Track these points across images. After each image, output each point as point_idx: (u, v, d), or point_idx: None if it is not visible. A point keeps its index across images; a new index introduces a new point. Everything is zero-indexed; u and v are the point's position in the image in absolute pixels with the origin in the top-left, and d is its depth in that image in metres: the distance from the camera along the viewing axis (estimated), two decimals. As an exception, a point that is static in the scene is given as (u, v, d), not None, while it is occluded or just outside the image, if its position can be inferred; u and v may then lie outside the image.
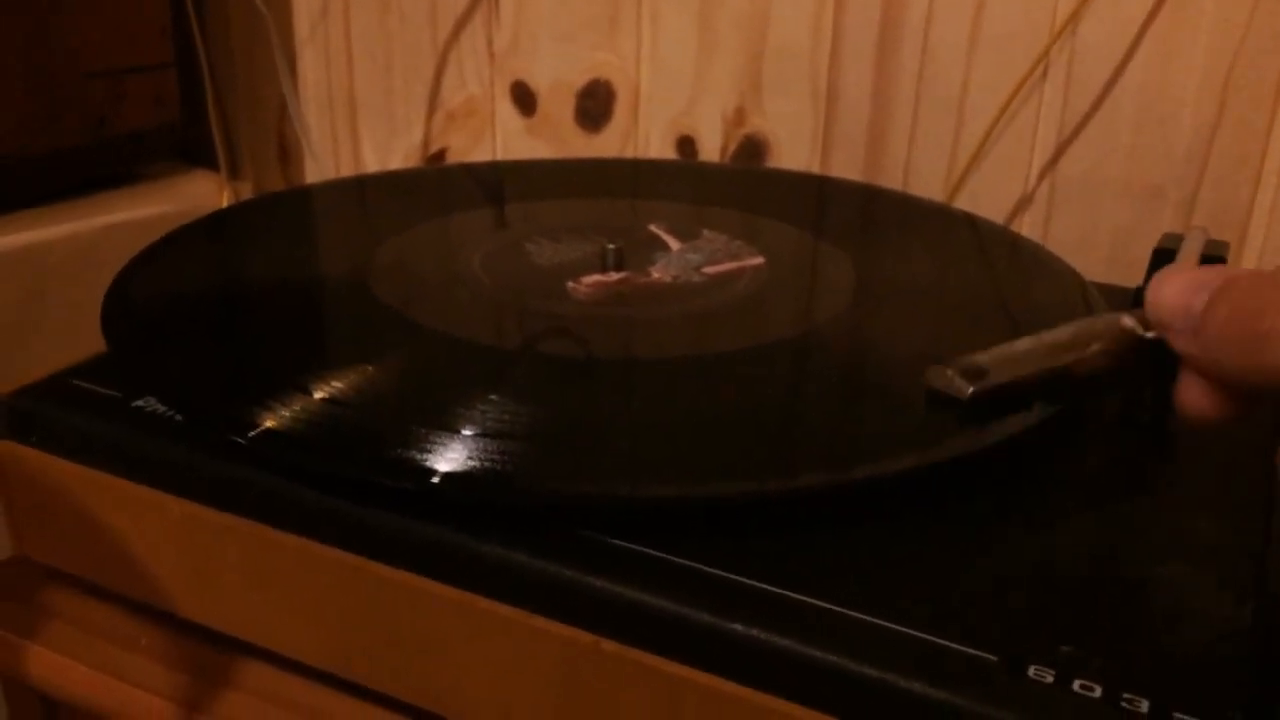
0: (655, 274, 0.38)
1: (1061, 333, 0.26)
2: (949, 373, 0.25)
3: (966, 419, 0.25)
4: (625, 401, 0.30)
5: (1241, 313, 0.22)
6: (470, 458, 0.26)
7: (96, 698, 0.31)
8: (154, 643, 0.31)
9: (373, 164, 0.67)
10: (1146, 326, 0.25)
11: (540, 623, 0.24)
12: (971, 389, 0.25)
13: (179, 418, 0.29)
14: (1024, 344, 0.26)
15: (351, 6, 0.64)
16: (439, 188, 0.51)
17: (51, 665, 0.31)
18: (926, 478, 0.26)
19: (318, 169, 0.68)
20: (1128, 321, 0.26)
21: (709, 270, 0.39)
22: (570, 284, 0.37)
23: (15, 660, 0.32)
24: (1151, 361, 0.25)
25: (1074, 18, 0.46)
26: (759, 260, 0.39)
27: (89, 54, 0.58)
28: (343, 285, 0.37)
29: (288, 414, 0.28)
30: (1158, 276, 0.24)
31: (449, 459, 0.26)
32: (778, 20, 0.53)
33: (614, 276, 0.38)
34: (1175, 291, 0.24)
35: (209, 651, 0.31)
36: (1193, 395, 0.24)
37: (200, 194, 0.64)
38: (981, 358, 0.25)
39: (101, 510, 0.30)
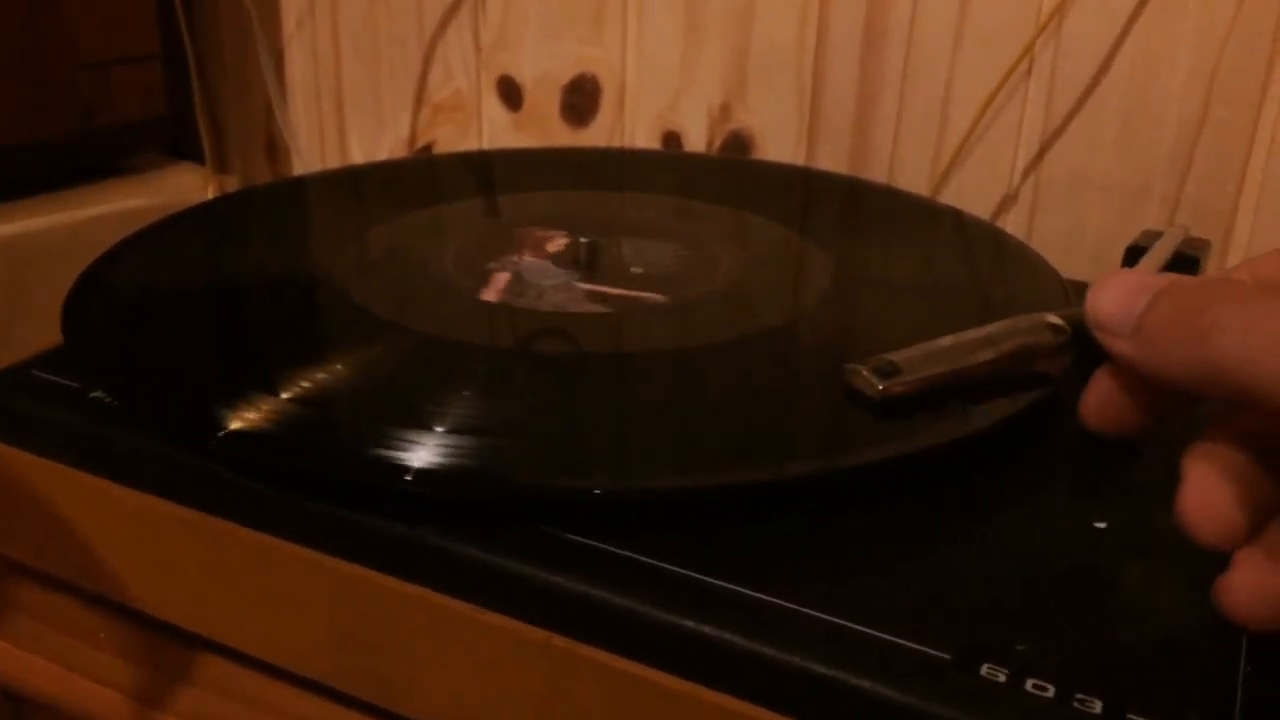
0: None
1: (983, 331, 0.26)
2: (863, 371, 0.25)
3: (880, 417, 0.25)
4: (580, 397, 0.30)
5: (1183, 310, 0.21)
6: (428, 453, 0.26)
7: (56, 692, 0.30)
8: (114, 637, 0.31)
9: (359, 158, 0.67)
10: (1072, 324, 0.25)
11: (492, 618, 0.24)
12: (882, 386, 0.24)
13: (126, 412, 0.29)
14: (944, 342, 0.26)
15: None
16: (415, 181, 0.51)
17: (11, 659, 0.31)
18: (881, 474, 0.26)
19: (303, 162, 0.67)
20: (1051, 320, 0.26)
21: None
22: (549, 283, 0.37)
23: (-24, 653, 0.31)
24: (1087, 358, 0.25)
25: (1059, 11, 0.46)
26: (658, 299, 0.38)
27: (76, 45, 0.57)
28: (308, 281, 0.37)
29: (240, 414, 0.27)
30: (1097, 281, 0.24)
31: (406, 455, 0.25)
32: (764, 15, 0.52)
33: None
34: (1114, 294, 0.23)
35: (169, 646, 0.30)
36: (1099, 405, 0.24)
37: (186, 187, 0.63)
38: (896, 356, 0.25)
39: (59, 502, 0.29)
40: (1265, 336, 0.20)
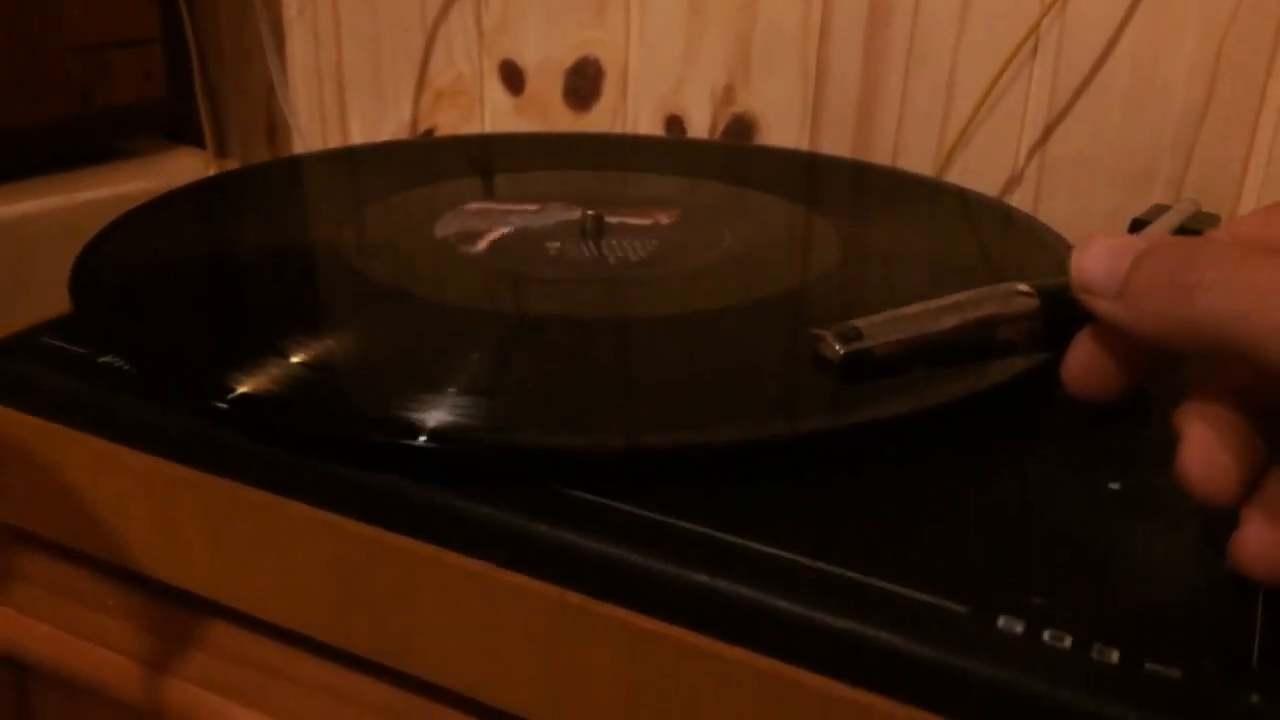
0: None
1: (951, 299, 0.26)
2: (826, 335, 0.25)
3: (842, 380, 0.25)
4: (591, 358, 0.30)
5: (1168, 268, 0.22)
6: (438, 413, 0.26)
7: (63, 659, 0.30)
8: (121, 604, 0.31)
9: (360, 142, 0.67)
10: (1041, 292, 0.25)
11: (507, 576, 0.24)
12: (843, 351, 0.24)
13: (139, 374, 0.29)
14: (911, 309, 0.26)
15: (340, -17, 0.64)
16: (421, 159, 0.50)
17: (18, 627, 0.31)
18: (894, 430, 0.26)
19: (305, 147, 0.67)
20: (1021, 288, 0.26)
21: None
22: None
23: (-20, 621, 0.31)
24: (1057, 326, 0.25)
25: (1064, -6, 0.46)
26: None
27: (74, 27, 0.57)
28: (313, 252, 0.37)
29: (254, 376, 0.27)
30: (1080, 243, 0.24)
31: (417, 413, 0.25)
32: (767, -2, 0.53)
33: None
34: (1097, 255, 0.23)
35: (177, 612, 0.30)
36: (1080, 369, 0.24)
37: (186, 171, 0.63)
38: (860, 321, 0.25)
39: (67, 467, 0.29)
40: (1251, 291, 0.20)
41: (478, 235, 0.38)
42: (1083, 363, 0.25)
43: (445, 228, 0.39)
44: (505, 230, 0.38)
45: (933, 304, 0.26)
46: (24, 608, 0.31)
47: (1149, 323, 0.22)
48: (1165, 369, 0.25)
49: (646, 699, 0.23)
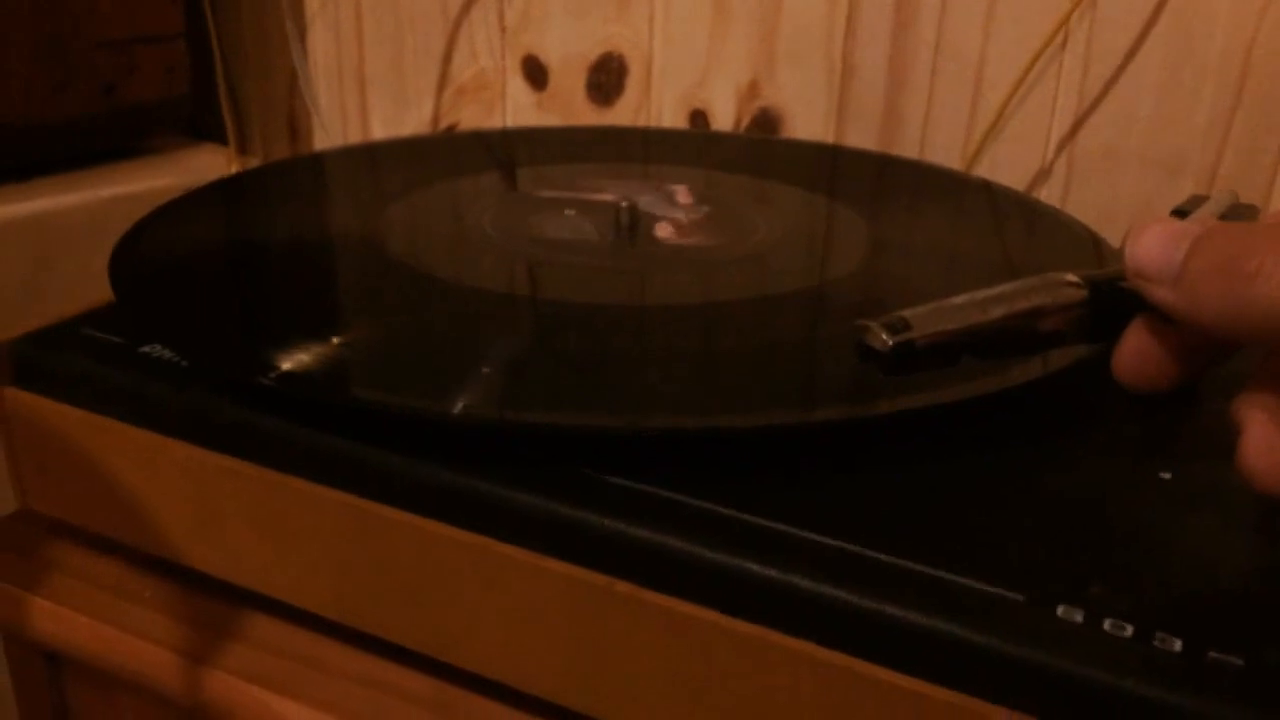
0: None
1: (998, 289, 0.26)
2: (873, 326, 0.25)
3: (888, 372, 0.24)
4: (637, 343, 0.30)
5: (1226, 255, 0.21)
6: (480, 395, 0.25)
7: (101, 651, 0.30)
8: (159, 596, 0.31)
9: (382, 138, 0.67)
10: (1090, 282, 0.25)
11: (553, 565, 0.24)
12: (892, 342, 0.24)
13: (185, 363, 0.29)
14: (958, 300, 0.25)
15: (362, -21, 0.64)
16: (445, 153, 0.50)
17: (56, 618, 0.31)
18: (949, 417, 0.26)
19: (327, 143, 0.67)
20: (1069, 278, 0.25)
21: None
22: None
23: (19, 614, 0.31)
24: (1105, 317, 0.25)
25: (1094, -14, 0.46)
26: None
27: (98, 23, 0.57)
28: (350, 241, 0.37)
29: (302, 356, 0.27)
30: (1135, 228, 0.24)
31: (458, 397, 0.25)
32: (793, -9, 0.52)
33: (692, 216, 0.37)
34: (1153, 241, 0.23)
35: (214, 604, 0.30)
36: (1132, 360, 0.24)
37: (208, 168, 0.63)
38: (908, 312, 0.25)
39: (107, 457, 0.29)
40: None
41: (515, 224, 0.38)
42: (1135, 354, 0.24)
43: (480, 216, 0.38)
44: (541, 219, 0.38)
45: (980, 294, 0.26)
46: (62, 600, 0.31)
47: (1206, 310, 0.22)
48: (1218, 359, 0.24)
49: (694, 688, 0.23)
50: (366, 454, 0.26)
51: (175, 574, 0.31)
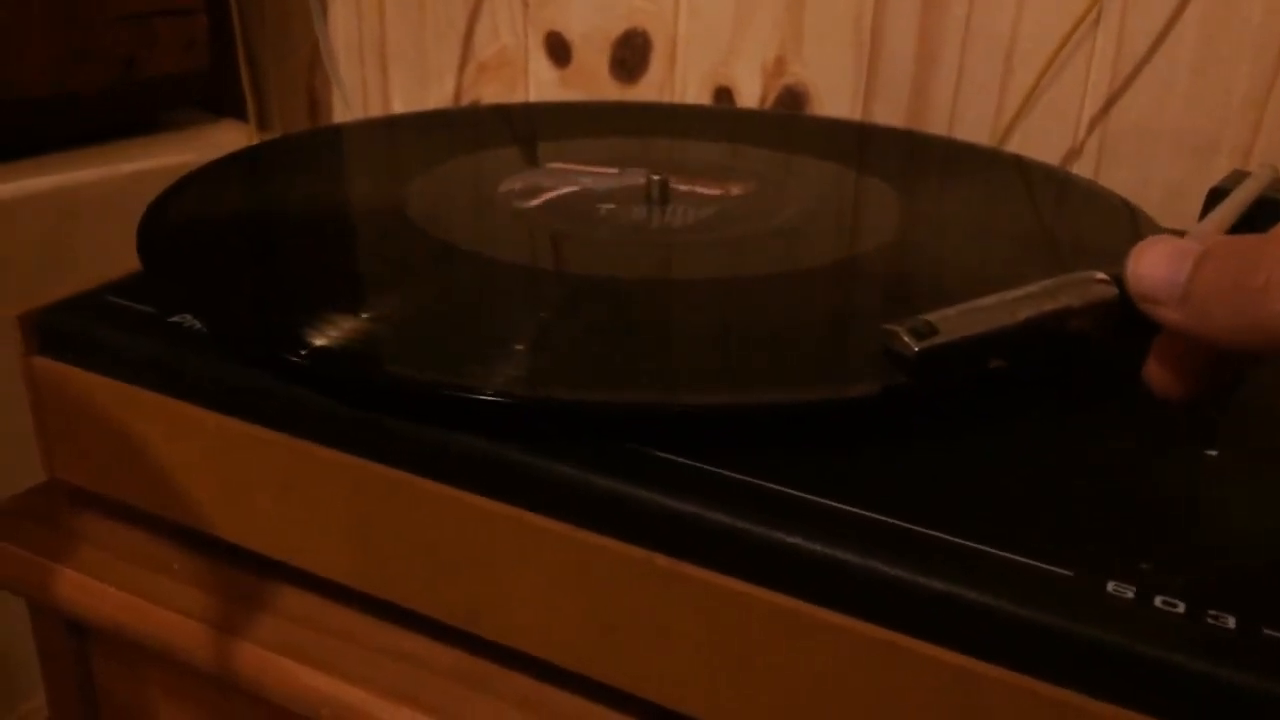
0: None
1: (1026, 290, 0.25)
2: (899, 331, 0.24)
3: (916, 377, 0.24)
4: (672, 319, 0.29)
5: (1232, 271, 0.21)
6: (517, 370, 0.25)
7: (128, 622, 0.30)
8: (186, 567, 0.31)
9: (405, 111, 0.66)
10: (1120, 280, 0.25)
11: (592, 538, 0.23)
12: (918, 348, 0.24)
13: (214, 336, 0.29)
14: (985, 301, 0.25)
15: (384, -46, 0.63)
16: (473, 126, 0.50)
17: (82, 588, 0.31)
18: (993, 394, 0.25)
19: (350, 114, 0.67)
20: (1098, 276, 0.25)
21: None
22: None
23: (46, 584, 0.31)
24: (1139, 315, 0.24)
25: (1130, -39, 0.45)
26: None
27: (122, -5, 0.57)
28: (380, 213, 0.37)
29: (334, 332, 0.27)
30: (1134, 250, 0.23)
31: (495, 373, 0.25)
32: (821, -34, 0.52)
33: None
34: (1155, 262, 0.22)
35: (242, 575, 0.30)
36: (1162, 375, 0.24)
37: (228, 143, 0.63)
38: (933, 316, 0.24)
39: (136, 426, 0.29)
40: None
41: (546, 196, 0.37)
42: (1164, 367, 0.24)
43: (512, 188, 0.38)
44: (579, 192, 0.38)
45: (1008, 295, 0.25)
46: (90, 571, 0.31)
47: (1217, 329, 0.21)
48: (1250, 366, 0.24)
49: (733, 662, 0.23)
50: (398, 426, 0.25)
51: (203, 546, 0.31)
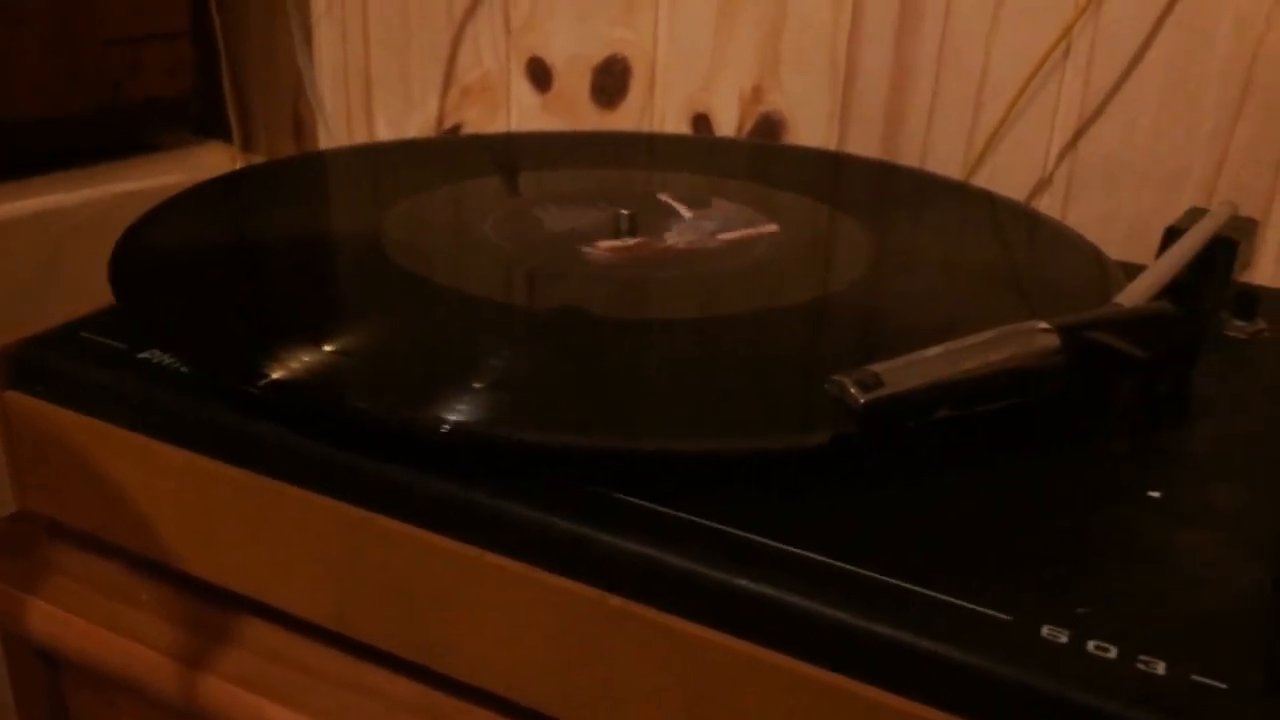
0: (670, 240, 0.38)
1: (971, 341, 0.26)
2: (846, 383, 0.25)
3: (863, 427, 0.25)
4: (636, 359, 0.30)
5: None
6: (480, 410, 0.26)
7: (98, 653, 0.30)
8: (156, 599, 0.31)
9: (386, 139, 0.67)
10: (1061, 330, 0.25)
11: (547, 578, 0.24)
12: (864, 400, 0.24)
13: (184, 369, 0.29)
14: (931, 352, 0.26)
15: (368, -21, 0.64)
16: (451, 156, 0.51)
17: (53, 620, 0.31)
18: (936, 439, 0.26)
19: (331, 143, 0.67)
20: (1041, 327, 0.26)
21: (724, 236, 0.38)
22: (585, 248, 0.37)
23: (17, 615, 0.31)
24: (1089, 359, 0.25)
25: (1098, -4, 0.46)
26: (773, 227, 0.39)
27: (106, 20, 0.57)
28: (353, 244, 0.37)
29: (296, 364, 0.27)
30: None
31: (458, 411, 0.25)
32: (797, -3, 0.52)
33: (630, 241, 0.37)
34: None
35: (211, 609, 0.30)
36: None
37: (214, 165, 0.63)
38: (880, 367, 0.25)
39: (106, 462, 0.29)
40: None
41: (517, 230, 0.38)
42: None
43: (487, 222, 0.39)
44: (550, 227, 0.38)
45: (954, 345, 0.26)
46: (60, 602, 0.31)
47: None
48: None
49: (685, 703, 0.23)
50: (363, 464, 0.26)
51: (173, 577, 0.31)
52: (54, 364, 0.30)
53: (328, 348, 0.28)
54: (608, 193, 0.43)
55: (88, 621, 0.31)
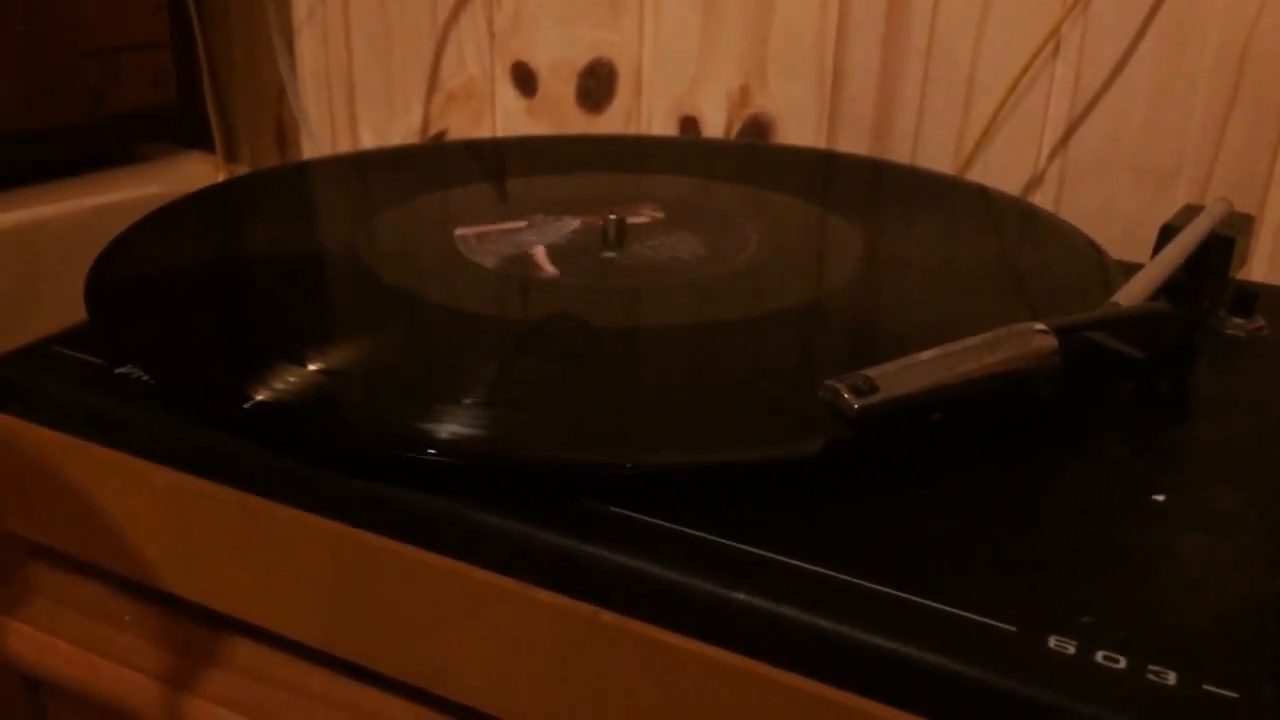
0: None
1: (967, 344, 0.25)
2: (840, 388, 0.24)
3: (858, 433, 0.24)
4: (624, 371, 0.29)
5: None
6: (466, 426, 0.25)
7: (81, 676, 0.30)
8: (138, 619, 0.30)
9: (370, 146, 0.66)
10: (1058, 331, 0.25)
11: (538, 594, 0.23)
12: (858, 405, 0.24)
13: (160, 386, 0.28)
14: (926, 356, 0.25)
15: (350, -14, 0.63)
16: (434, 163, 0.50)
17: (33, 642, 0.30)
18: (934, 444, 0.25)
19: (315, 151, 0.67)
20: (1037, 327, 0.25)
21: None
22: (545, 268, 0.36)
23: (-3, 638, 0.31)
24: (1088, 361, 0.24)
25: (1087, -8, 0.45)
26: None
27: (85, 31, 0.57)
28: (334, 258, 0.36)
29: (278, 385, 0.27)
30: None
31: (444, 428, 0.25)
32: (784, -3, 0.52)
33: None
34: None
35: (194, 628, 0.30)
36: None
37: (196, 176, 0.63)
38: (874, 372, 0.24)
39: (84, 480, 0.29)
40: None
41: (500, 242, 0.37)
42: None
43: (466, 233, 0.38)
44: (527, 237, 0.38)
45: (949, 348, 0.25)
46: (41, 624, 0.30)
47: None
48: None
49: (679, 719, 0.23)
50: (348, 481, 0.25)
51: (156, 598, 0.30)
52: (30, 382, 0.29)
53: (311, 366, 0.28)
54: (594, 199, 0.43)
55: (70, 644, 0.30)
